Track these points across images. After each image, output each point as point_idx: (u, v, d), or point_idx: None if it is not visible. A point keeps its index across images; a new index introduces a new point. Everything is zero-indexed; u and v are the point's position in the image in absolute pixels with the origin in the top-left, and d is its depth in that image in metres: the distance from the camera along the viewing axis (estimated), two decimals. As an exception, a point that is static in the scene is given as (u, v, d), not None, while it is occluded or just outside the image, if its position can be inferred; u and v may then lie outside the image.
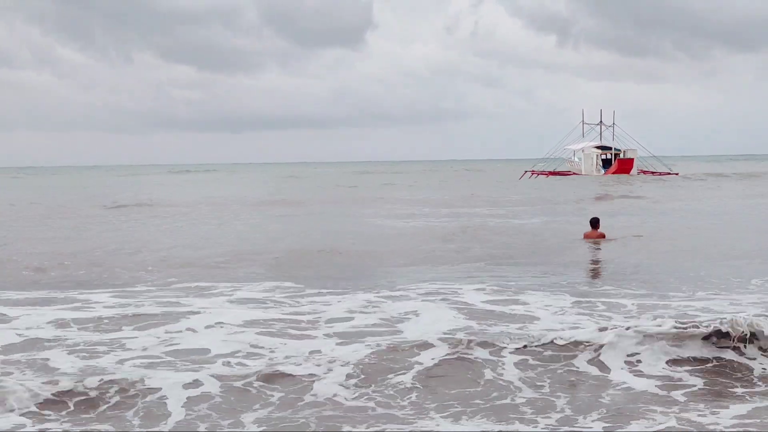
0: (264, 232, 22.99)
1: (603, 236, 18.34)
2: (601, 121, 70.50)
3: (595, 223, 18.61)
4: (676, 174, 64.80)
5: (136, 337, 8.88)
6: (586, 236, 18.44)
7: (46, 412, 6.43)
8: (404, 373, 7.37)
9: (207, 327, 9.35)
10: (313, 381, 7.14)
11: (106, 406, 6.60)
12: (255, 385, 7.07)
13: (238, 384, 7.06)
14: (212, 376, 7.20)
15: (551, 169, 68.40)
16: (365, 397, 6.89)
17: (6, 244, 19.81)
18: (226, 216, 28.73)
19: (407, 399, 6.88)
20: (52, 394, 6.67)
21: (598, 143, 68.75)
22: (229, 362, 7.80)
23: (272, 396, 6.88)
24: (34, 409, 6.44)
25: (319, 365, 7.50)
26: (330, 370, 7.40)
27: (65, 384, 6.83)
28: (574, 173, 67.47)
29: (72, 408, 6.55)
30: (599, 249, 17.37)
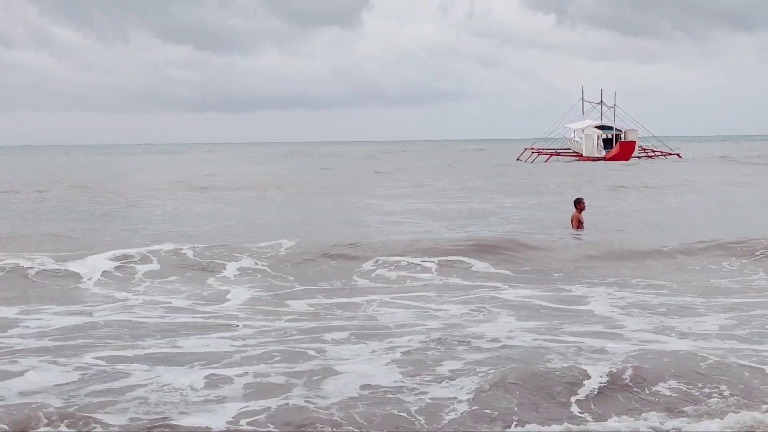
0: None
1: (581, 225, 17.92)
2: (601, 101, 69.82)
3: (577, 203, 18.22)
4: (677, 154, 64.07)
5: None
6: (573, 219, 18.08)
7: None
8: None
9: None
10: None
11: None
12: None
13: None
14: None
15: (552, 148, 67.72)
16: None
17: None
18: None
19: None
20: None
21: (598, 123, 68.00)
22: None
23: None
24: None
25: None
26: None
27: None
28: (576, 152, 66.80)
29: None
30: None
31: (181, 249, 14.19)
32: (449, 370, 7.17)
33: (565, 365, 7.22)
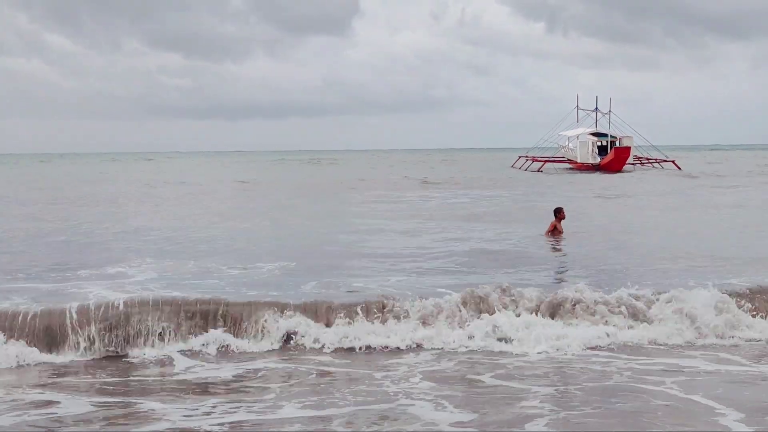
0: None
1: (560, 232, 17.83)
2: (596, 108, 69.58)
3: (557, 212, 18.08)
4: (673, 161, 63.66)
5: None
6: (551, 227, 17.90)
7: None
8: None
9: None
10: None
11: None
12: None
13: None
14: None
15: (546, 156, 67.49)
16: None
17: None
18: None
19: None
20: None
21: (593, 130, 67.74)
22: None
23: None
24: None
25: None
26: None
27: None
28: (570, 160, 66.52)
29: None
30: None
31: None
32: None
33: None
